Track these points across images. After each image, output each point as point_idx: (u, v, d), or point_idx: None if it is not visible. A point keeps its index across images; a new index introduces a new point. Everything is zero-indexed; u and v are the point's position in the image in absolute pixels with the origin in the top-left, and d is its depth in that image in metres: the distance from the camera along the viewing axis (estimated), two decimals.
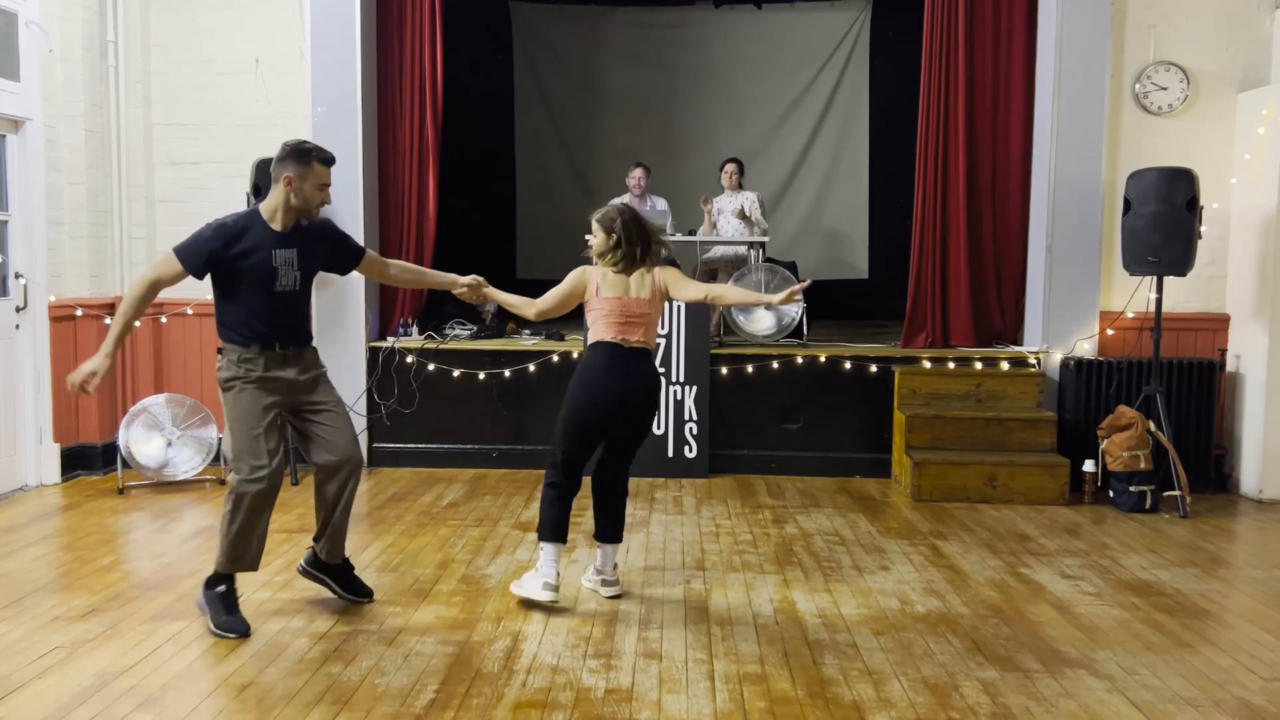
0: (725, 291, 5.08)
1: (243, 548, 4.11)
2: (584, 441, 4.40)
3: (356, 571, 4.52)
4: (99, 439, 6.83)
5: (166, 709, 3.41)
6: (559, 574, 4.38)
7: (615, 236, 4.39)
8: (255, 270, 4.05)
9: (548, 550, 4.38)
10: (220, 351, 4.15)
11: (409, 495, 6.39)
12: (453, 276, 4.61)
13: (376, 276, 4.65)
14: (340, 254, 4.37)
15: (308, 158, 4.09)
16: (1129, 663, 3.89)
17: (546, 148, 10.94)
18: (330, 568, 4.42)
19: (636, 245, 4.39)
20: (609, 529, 4.57)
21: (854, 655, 3.93)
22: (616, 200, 4.61)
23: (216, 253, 4.01)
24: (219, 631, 4.04)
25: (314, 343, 4.35)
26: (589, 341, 4.43)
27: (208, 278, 4.08)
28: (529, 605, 4.38)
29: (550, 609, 4.34)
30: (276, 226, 4.10)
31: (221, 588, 4.13)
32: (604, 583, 4.58)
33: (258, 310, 4.08)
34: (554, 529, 4.40)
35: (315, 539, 4.40)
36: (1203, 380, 6.68)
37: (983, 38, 7.24)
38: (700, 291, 4.52)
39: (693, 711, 3.44)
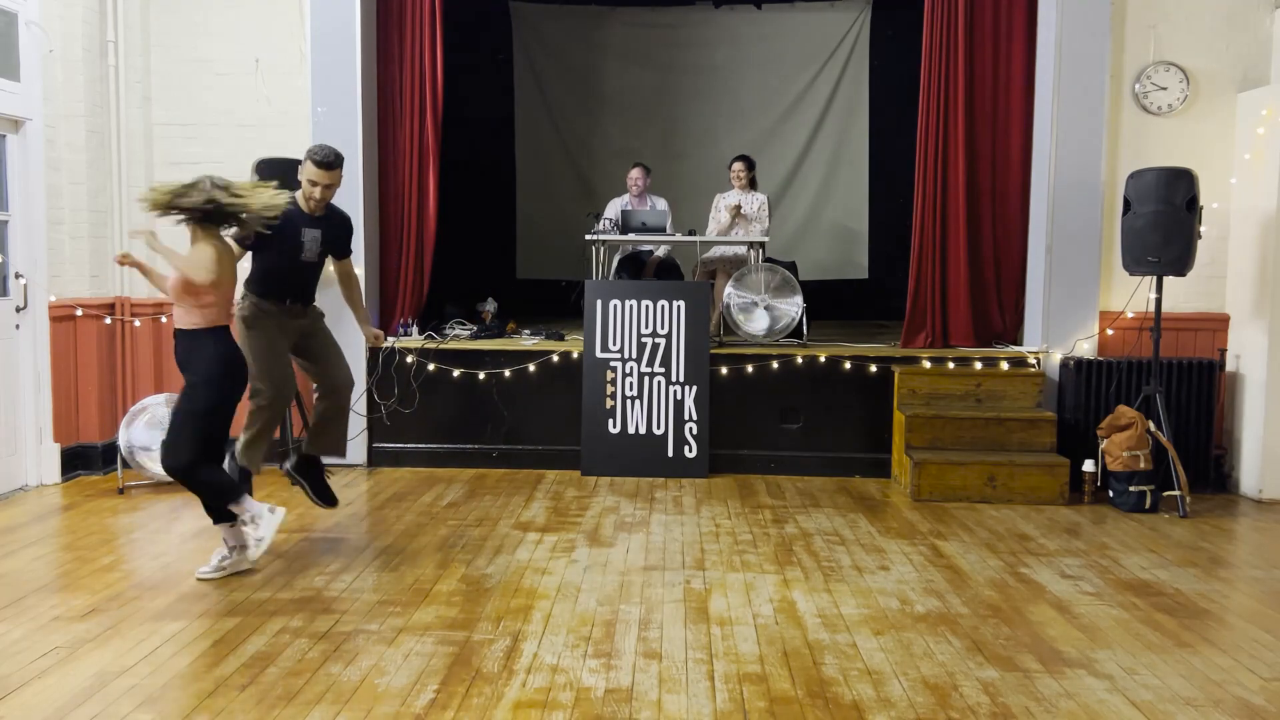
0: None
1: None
2: None
3: (357, 565, 4.58)
4: (99, 439, 6.83)
5: (166, 709, 3.41)
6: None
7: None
8: (285, 241, 4.99)
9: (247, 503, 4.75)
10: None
11: (409, 495, 6.39)
12: (367, 328, 5.71)
13: (340, 281, 5.47)
14: (337, 244, 5.28)
15: (305, 155, 5.05)
16: (1129, 663, 3.90)
17: (546, 148, 10.93)
18: (307, 467, 5.35)
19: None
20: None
21: (854, 655, 3.93)
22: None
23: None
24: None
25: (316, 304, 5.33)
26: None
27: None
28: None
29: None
30: (306, 210, 5.10)
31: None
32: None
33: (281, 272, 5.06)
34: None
35: (303, 440, 5.48)
36: (1202, 380, 6.68)
37: (983, 38, 7.24)
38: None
39: (693, 711, 3.44)
